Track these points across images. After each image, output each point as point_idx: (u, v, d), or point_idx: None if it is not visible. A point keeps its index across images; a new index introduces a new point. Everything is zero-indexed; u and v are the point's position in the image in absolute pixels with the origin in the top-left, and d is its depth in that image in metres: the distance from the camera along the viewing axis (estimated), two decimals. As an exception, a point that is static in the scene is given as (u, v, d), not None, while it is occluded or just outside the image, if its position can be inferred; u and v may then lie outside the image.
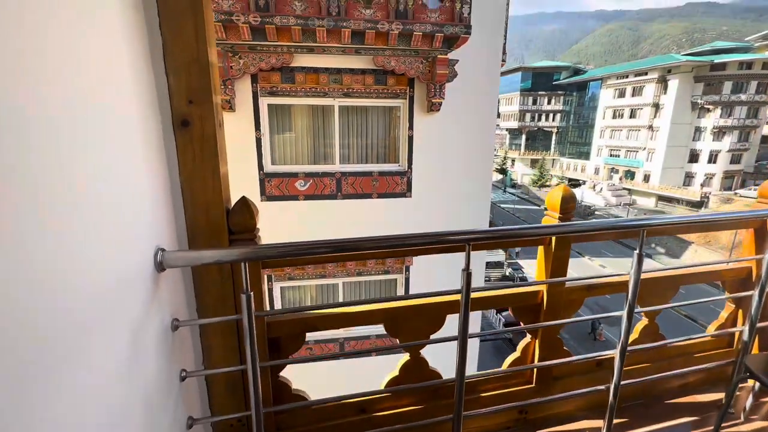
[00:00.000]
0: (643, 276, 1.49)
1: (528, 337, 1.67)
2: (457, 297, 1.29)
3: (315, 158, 5.93)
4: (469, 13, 5.09)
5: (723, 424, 1.70)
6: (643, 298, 1.84)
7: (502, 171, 58.82)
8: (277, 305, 6.16)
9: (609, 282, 1.65)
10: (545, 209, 1.62)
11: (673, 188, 41.40)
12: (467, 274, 1.29)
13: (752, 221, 1.77)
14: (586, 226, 1.42)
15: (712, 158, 41.18)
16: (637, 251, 1.46)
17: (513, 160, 61.38)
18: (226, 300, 1.25)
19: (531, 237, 1.40)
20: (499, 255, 25.08)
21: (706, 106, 40.46)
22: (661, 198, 41.83)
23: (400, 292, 6.47)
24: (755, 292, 1.71)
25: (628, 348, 1.58)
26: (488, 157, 6.41)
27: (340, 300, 6.33)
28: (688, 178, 42.99)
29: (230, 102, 5.19)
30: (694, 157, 42.44)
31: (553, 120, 58.62)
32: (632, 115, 45.61)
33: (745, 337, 1.77)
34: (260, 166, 5.59)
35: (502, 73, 6.49)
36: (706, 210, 36.92)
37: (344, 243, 1.19)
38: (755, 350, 1.88)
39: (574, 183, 51.35)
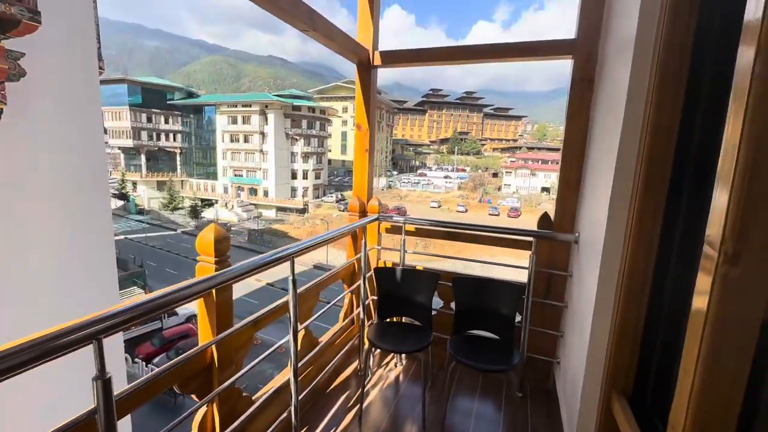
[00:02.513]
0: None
1: (203, 408, 1.41)
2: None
3: None
4: (34, -5, 3.73)
5: (365, 385, 2.23)
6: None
7: (123, 197, 49.98)
8: None
9: (272, 309, 1.69)
10: (197, 255, 1.41)
11: (286, 200, 51.94)
12: (103, 382, 0.87)
13: (352, 231, 2.44)
14: (244, 268, 1.36)
15: (305, 175, 55.07)
16: (291, 277, 1.58)
17: (135, 183, 53.58)
18: None
19: (190, 298, 1.16)
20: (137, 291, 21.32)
21: (294, 137, 53.29)
22: (279, 209, 51.11)
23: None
24: (361, 282, 2.37)
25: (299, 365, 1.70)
26: (102, 184, 5.05)
27: None
28: (293, 191, 55.22)
29: None
30: (294, 175, 54.92)
31: (175, 140, 56.50)
32: (246, 140, 52.33)
33: (362, 315, 2.43)
34: None
35: (102, 82, 5.34)
36: (308, 214, 49.10)
37: None
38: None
39: (208, 203, 52.36)
